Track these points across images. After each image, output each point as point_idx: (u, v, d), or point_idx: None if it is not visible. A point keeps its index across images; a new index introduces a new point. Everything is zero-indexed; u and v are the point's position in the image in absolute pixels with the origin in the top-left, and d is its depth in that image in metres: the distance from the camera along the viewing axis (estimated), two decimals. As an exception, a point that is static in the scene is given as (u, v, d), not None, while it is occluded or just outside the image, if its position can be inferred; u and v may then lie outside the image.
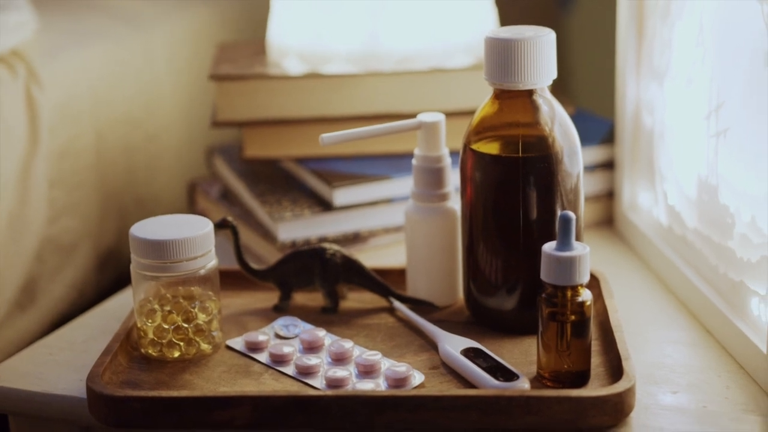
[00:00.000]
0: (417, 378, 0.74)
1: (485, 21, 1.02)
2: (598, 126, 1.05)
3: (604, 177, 1.03)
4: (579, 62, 1.27)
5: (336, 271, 0.83)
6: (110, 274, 1.07)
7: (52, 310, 0.98)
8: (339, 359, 0.77)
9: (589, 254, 0.71)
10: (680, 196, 0.88)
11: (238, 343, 0.79)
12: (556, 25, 1.31)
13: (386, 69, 0.98)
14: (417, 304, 0.84)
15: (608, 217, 1.03)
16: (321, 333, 0.79)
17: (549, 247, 0.71)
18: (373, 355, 0.76)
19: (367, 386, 0.73)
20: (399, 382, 0.73)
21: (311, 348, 0.78)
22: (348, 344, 0.77)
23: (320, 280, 0.84)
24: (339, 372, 0.74)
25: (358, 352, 0.77)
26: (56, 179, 0.99)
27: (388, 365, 0.75)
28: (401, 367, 0.74)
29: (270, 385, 0.74)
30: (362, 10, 0.98)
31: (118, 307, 0.89)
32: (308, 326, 0.81)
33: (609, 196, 1.03)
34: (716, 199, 0.81)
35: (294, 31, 1.01)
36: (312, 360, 0.76)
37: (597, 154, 1.02)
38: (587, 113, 1.10)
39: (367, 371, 0.75)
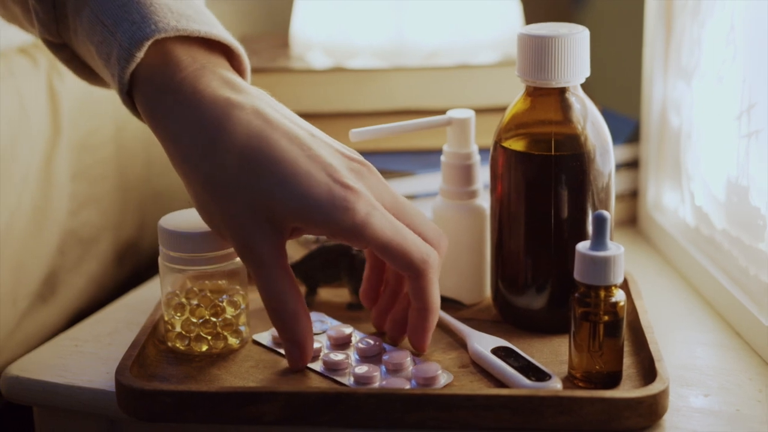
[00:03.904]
0: (446, 377, 0.73)
1: (511, 17, 1.01)
2: (621, 125, 1.04)
3: (627, 176, 1.02)
4: (600, 60, 1.26)
5: (363, 268, 0.83)
6: (129, 267, 1.06)
7: (73, 303, 0.97)
8: (366, 356, 0.76)
9: (623, 254, 0.70)
10: (708, 196, 0.87)
11: (265, 337, 0.79)
12: (573, 21, 1.30)
13: (412, 64, 0.97)
14: (444, 302, 0.83)
15: (631, 216, 1.03)
16: (348, 330, 0.79)
17: (583, 246, 0.70)
18: (402, 353, 0.75)
19: (395, 384, 0.72)
20: (428, 380, 0.72)
21: (338, 344, 0.78)
22: (376, 342, 0.77)
23: (347, 277, 0.83)
24: (367, 369, 0.73)
25: (386, 349, 0.77)
26: (77, 172, 0.99)
27: (416, 363, 0.75)
28: (430, 366, 0.73)
29: (298, 381, 0.74)
30: (388, 4, 0.98)
31: (141, 300, 0.88)
32: (335, 322, 0.81)
33: (632, 196, 1.03)
34: (747, 201, 0.80)
35: (318, 25, 1.00)
36: (339, 356, 0.75)
37: (620, 153, 1.01)
38: (609, 112, 1.09)
39: (395, 369, 0.74)
